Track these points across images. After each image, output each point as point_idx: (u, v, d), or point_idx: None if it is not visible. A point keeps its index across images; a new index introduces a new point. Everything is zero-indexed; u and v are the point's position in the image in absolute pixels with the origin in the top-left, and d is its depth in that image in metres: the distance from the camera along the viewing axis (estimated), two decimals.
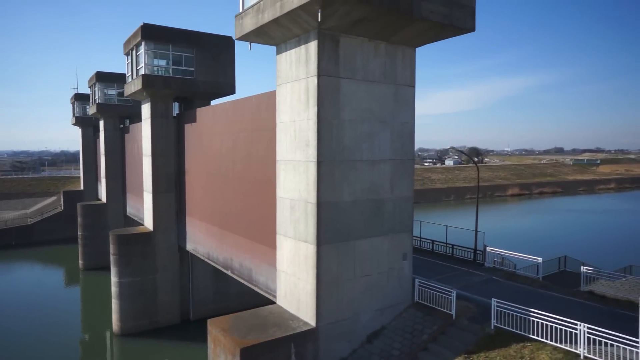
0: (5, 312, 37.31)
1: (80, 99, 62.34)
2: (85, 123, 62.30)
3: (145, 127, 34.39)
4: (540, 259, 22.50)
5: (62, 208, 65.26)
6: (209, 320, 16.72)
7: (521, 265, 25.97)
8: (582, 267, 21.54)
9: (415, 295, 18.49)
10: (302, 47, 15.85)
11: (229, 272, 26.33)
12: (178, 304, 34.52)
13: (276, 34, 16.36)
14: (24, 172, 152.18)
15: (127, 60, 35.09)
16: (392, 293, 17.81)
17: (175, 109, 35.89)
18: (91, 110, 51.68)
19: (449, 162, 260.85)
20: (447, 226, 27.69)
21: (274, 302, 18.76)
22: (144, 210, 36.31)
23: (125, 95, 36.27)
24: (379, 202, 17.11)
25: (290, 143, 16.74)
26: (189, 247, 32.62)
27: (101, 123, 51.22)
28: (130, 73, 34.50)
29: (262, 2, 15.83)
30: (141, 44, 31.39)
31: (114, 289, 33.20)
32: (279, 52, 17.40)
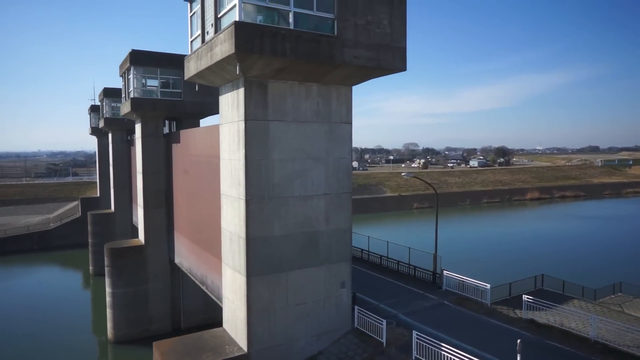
0: (13, 313, 40.30)
1: (95, 110, 65.65)
2: (100, 133, 65.47)
3: (137, 146, 36.38)
4: (488, 286, 22.87)
5: (80, 214, 68.77)
6: (154, 343, 18.17)
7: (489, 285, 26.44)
8: (523, 296, 21.78)
9: (355, 321, 19.39)
10: (235, 92, 17.03)
11: (204, 288, 27.83)
12: (169, 314, 36.38)
13: (213, 79, 17.60)
14: (57, 174, 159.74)
15: (122, 82, 37.17)
16: (329, 320, 18.77)
17: (172, 127, 37.87)
18: (100, 123, 54.47)
19: (473, 163, 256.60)
20: (409, 248, 28.25)
21: None
22: (138, 223, 38.35)
23: (121, 115, 38.40)
24: (313, 234, 18.11)
25: (228, 179, 17.97)
26: (177, 260, 34.38)
27: (110, 136, 53.94)
28: (124, 94, 36.56)
29: (200, 50, 17.10)
30: (131, 69, 33.29)
31: (108, 299, 35.35)
32: (220, 93, 18.64)
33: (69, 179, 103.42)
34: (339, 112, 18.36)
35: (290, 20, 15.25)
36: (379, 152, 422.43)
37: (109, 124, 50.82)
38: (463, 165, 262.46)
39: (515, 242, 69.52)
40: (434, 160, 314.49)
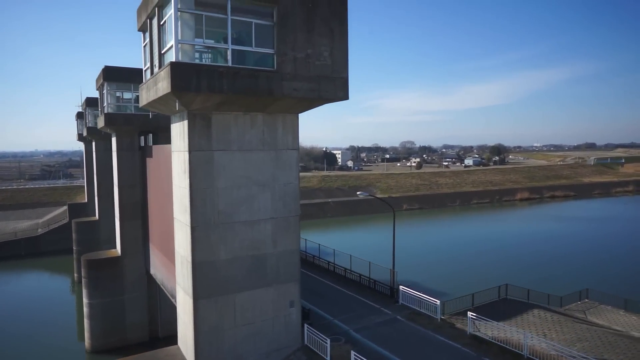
0: None
1: (81, 117, 66.29)
2: (86, 140, 66.13)
3: (114, 159, 37.10)
4: (438, 302, 23.62)
5: (68, 220, 69.45)
6: None
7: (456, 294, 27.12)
8: (468, 312, 22.56)
9: (305, 339, 20.19)
10: (181, 122, 17.78)
11: (173, 301, 28.58)
12: (147, 323, 37.17)
13: (162, 109, 18.36)
14: (51, 176, 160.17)
15: (99, 96, 37.88)
16: (278, 338, 19.57)
17: (149, 140, 38.56)
18: (84, 132, 55.05)
19: (468, 162, 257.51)
20: (370, 262, 29.05)
21: None
22: (116, 234, 39.12)
23: (98, 128, 39.10)
24: (260, 257, 18.89)
25: (178, 205, 18.73)
26: (152, 271, 35.15)
27: (93, 144, 54.62)
28: (100, 108, 37.27)
29: (149, 82, 17.84)
30: (104, 85, 33.99)
31: (85, 309, 36.13)
32: (171, 122, 19.38)
33: (60, 183, 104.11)
34: (285, 140, 19.12)
35: (229, 57, 15.98)
36: (376, 151, 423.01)
37: (92, 133, 51.44)
38: (458, 164, 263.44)
39: (491, 244, 70.23)
40: (429, 158, 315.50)
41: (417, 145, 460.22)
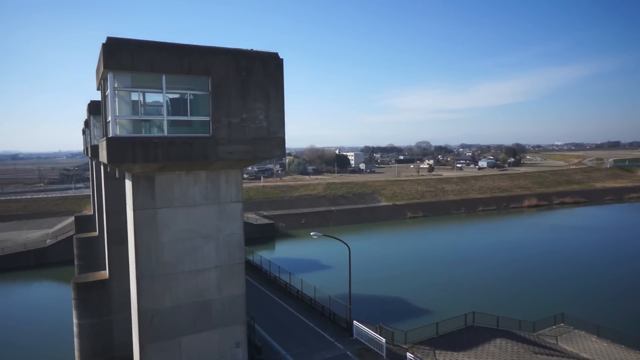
0: None
1: (87, 125, 69.10)
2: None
3: (102, 186, 39.15)
4: (383, 340, 24.67)
5: (74, 232, 72.39)
6: None
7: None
8: (407, 353, 23.52)
9: None
10: (129, 182, 19.33)
11: None
12: (132, 343, 39.07)
13: (116, 167, 19.93)
14: (69, 179, 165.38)
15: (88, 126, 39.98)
16: None
17: None
18: (86, 151, 57.56)
19: (482, 164, 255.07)
20: (330, 296, 30.23)
21: None
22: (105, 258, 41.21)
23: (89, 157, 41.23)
24: (205, 303, 20.33)
25: (130, 254, 20.31)
26: None
27: (93, 163, 57.08)
28: (89, 139, 39.38)
29: (100, 143, 19.43)
30: (90, 118, 36.00)
31: (75, 329, 38.30)
32: (126, 179, 20.97)
33: (72, 191, 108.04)
34: (228, 193, 20.50)
35: (164, 127, 17.43)
36: (391, 151, 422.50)
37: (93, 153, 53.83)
38: (472, 165, 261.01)
39: (479, 258, 69.49)
40: (444, 159, 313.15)
41: (433, 146, 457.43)
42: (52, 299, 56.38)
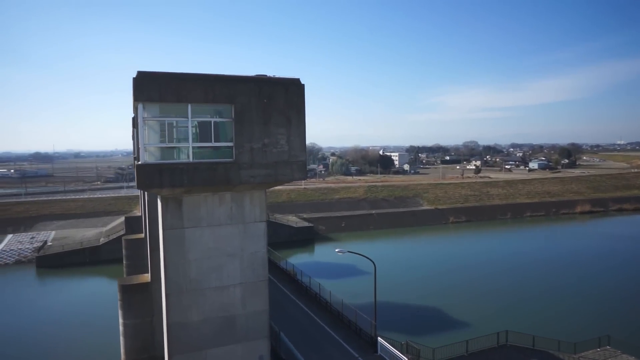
0: (45, 324, 47.53)
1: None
2: None
3: (145, 195, 41.42)
4: (406, 359, 24.63)
5: (125, 231, 76.71)
6: None
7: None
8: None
9: None
10: (159, 203, 20.57)
11: None
12: None
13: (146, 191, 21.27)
14: (123, 178, 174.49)
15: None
16: None
17: None
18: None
19: (533, 165, 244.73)
20: (357, 311, 30.40)
21: None
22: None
23: None
24: (230, 317, 21.27)
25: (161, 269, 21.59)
26: None
27: None
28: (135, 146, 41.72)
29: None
30: (133, 131, 38.13)
31: (120, 328, 40.85)
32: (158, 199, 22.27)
33: (122, 193, 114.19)
34: (252, 213, 21.31)
35: (190, 153, 18.45)
36: (437, 151, 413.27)
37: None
38: (522, 167, 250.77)
39: (518, 268, 66.67)
40: (492, 160, 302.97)
41: (481, 145, 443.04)
42: (105, 294, 60.11)
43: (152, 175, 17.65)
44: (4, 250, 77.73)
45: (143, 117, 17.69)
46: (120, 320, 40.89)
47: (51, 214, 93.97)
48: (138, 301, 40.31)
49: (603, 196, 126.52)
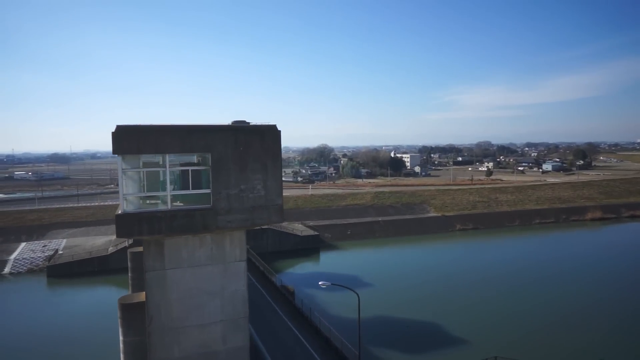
0: (46, 335, 49.04)
1: None
2: None
3: None
4: None
5: (132, 241, 78.37)
6: None
7: None
8: None
9: None
10: (142, 247, 21.39)
11: None
12: None
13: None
14: None
15: None
16: None
17: None
18: None
19: (546, 167, 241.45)
20: (343, 340, 30.90)
21: None
22: None
23: None
24: (211, 353, 22.04)
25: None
26: None
27: None
28: None
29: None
30: None
31: (121, 345, 41.92)
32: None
33: None
34: (232, 253, 22.02)
35: (168, 201, 19.22)
36: (449, 151, 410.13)
37: None
38: (535, 168, 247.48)
39: (515, 276, 65.13)
40: (505, 161, 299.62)
41: (495, 145, 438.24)
42: (110, 305, 61.60)
43: (131, 225, 18.46)
44: (17, 259, 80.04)
45: (122, 169, 18.49)
46: (121, 338, 41.94)
47: (63, 222, 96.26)
48: (138, 319, 41.30)
49: (616, 202, 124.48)
